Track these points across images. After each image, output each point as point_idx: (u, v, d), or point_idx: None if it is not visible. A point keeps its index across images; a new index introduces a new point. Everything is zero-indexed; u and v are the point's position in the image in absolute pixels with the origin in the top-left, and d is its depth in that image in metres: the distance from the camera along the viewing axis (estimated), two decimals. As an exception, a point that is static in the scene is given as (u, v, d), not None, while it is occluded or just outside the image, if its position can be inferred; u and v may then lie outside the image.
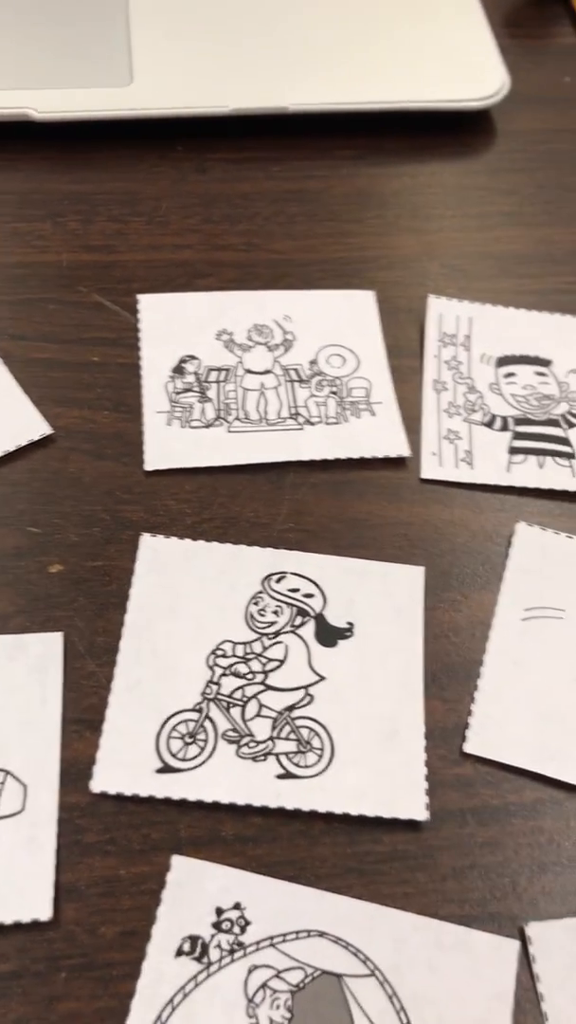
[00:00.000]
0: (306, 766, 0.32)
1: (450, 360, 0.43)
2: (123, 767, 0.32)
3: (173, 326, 0.43)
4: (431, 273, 0.46)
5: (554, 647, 0.35)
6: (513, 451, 0.40)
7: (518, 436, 0.40)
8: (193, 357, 0.42)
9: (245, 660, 0.34)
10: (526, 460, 0.40)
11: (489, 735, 0.33)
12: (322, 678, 0.34)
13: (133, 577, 0.36)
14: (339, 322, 0.44)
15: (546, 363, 0.42)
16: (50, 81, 0.49)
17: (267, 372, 0.42)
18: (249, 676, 0.34)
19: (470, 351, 0.43)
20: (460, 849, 0.31)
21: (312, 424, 0.40)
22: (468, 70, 0.52)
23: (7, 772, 0.31)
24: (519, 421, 0.41)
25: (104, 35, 0.51)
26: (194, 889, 0.30)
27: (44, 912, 0.29)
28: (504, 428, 0.41)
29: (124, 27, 0.52)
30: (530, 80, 0.55)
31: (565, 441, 0.40)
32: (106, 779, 0.31)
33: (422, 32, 0.53)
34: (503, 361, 0.43)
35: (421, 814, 0.31)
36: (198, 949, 0.29)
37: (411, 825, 0.31)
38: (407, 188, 0.49)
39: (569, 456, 0.40)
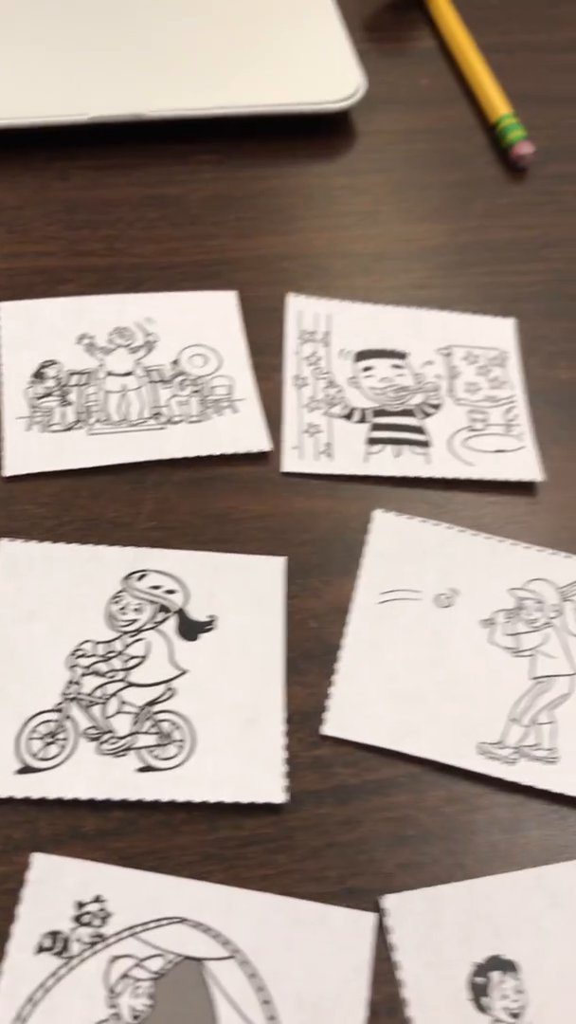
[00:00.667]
0: (167, 758, 0.32)
1: (310, 356, 0.43)
2: (-19, 771, 0.32)
3: (33, 332, 0.43)
4: (291, 272, 0.47)
5: (409, 628, 0.36)
6: (371, 442, 0.41)
7: (376, 427, 0.41)
8: (54, 362, 0.42)
9: (106, 659, 0.34)
10: (383, 450, 0.41)
11: (346, 716, 0.34)
12: (184, 672, 0.34)
13: (-8, 582, 0.36)
14: (201, 323, 0.44)
15: (402, 356, 0.44)
16: None
17: (129, 374, 0.42)
18: (110, 674, 0.34)
19: (329, 347, 0.44)
20: (319, 829, 0.32)
21: (174, 423, 0.41)
22: (325, 73, 0.53)
23: None
24: (377, 413, 0.42)
25: (-41, 45, 0.51)
26: (54, 885, 0.30)
27: None
28: (362, 420, 0.42)
29: (-21, 37, 0.52)
30: (388, 82, 0.56)
31: (420, 430, 0.41)
32: (-35, 783, 0.31)
33: (280, 37, 0.55)
34: (361, 355, 0.44)
35: (279, 797, 0.32)
36: (59, 944, 0.29)
37: (271, 809, 0.32)
38: (267, 190, 0.50)
39: (424, 444, 0.41)
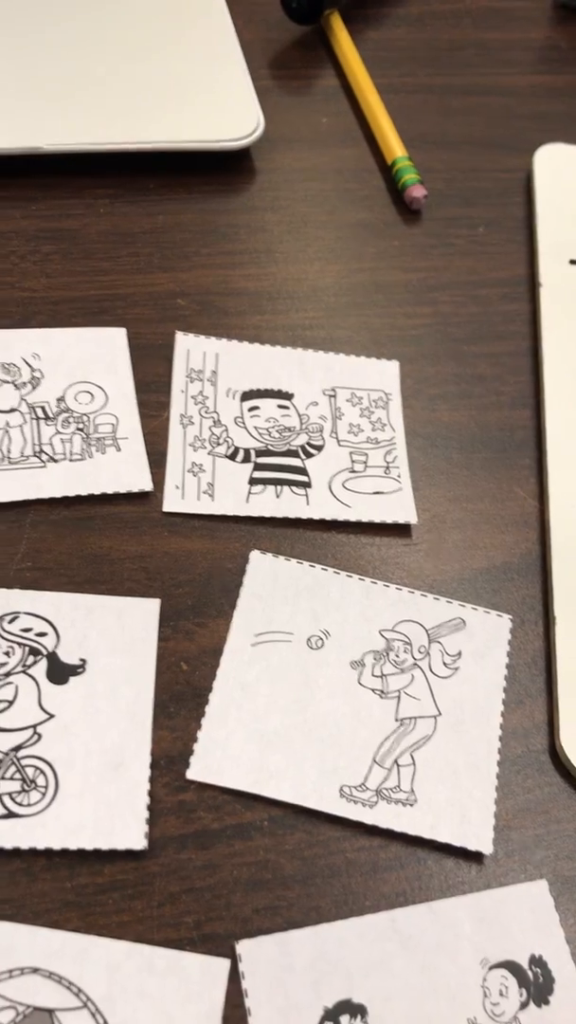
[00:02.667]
0: (29, 804, 0.32)
1: (196, 395, 0.44)
2: None
3: None
4: (183, 310, 0.47)
5: (280, 670, 0.36)
6: (253, 481, 0.41)
7: (258, 467, 0.42)
8: None
9: (-28, 702, 0.34)
10: (264, 490, 0.41)
11: (211, 760, 0.34)
12: (51, 716, 0.34)
13: None
14: (88, 359, 0.44)
15: (288, 396, 0.44)
16: None
17: (13, 411, 0.42)
18: (-25, 718, 0.34)
19: (216, 386, 0.44)
20: (178, 874, 0.32)
21: (56, 461, 0.41)
22: (226, 110, 0.54)
23: None
24: (260, 452, 0.42)
25: None
26: None
27: None
28: (246, 460, 0.42)
29: None
30: (289, 120, 0.57)
31: (302, 471, 0.42)
32: None
33: (182, 73, 0.55)
34: (247, 395, 0.44)
35: (139, 843, 0.32)
36: None
37: (131, 855, 0.32)
38: (163, 226, 0.51)
39: (305, 485, 0.42)
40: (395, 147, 0.55)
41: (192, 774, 0.34)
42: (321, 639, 0.37)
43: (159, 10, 0.58)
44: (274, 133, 0.55)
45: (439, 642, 0.38)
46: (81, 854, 0.32)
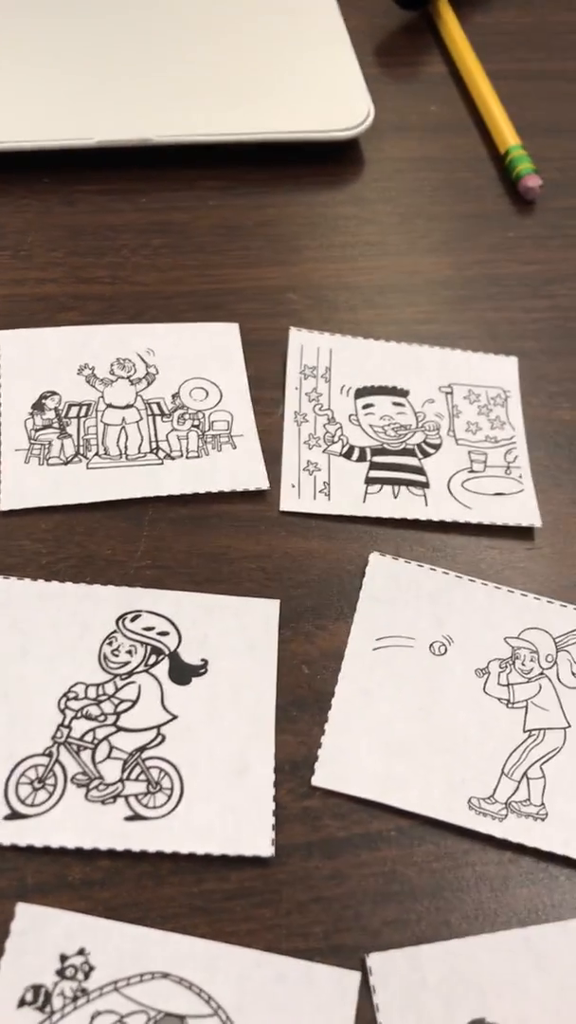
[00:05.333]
0: (155, 807, 0.32)
1: (311, 392, 0.43)
2: (-31, 816, 0.32)
3: (33, 362, 0.43)
4: (294, 304, 0.47)
5: (402, 676, 0.36)
6: (369, 481, 0.41)
7: (375, 466, 0.41)
8: (53, 393, 0.42)
9: (97, 702, 0.34)
10: (381, 490, 0.40)
11: (336, 767, 0.34)
12: (174, 717, 0.34)
13: (-15, 621, 0.36)
14: (202, 355, 0.44)
15: (403, 393, 0.43)
16: None
17: (129, 406, 0.42)
18: (101, 718, 0.34)
19: (330, 383, 0.44)
20: (305, 883, 0.32)
21: (172, 458, 0.41)
22: (335, 100, 0.53)
23: None
24: (376, 451, 0.42)
25: (-34, 66, 0.51)
26: (38, 937, 0.30)
27: None
28: (362, 459, 0.41)
29: (-13, 58, 0.51)
30: (398, 109, 0.56)
31: (419, 471, 0.41)
32: (-49, 829, 0.31)
33: (289, 62, 0.54)
34: (362, 392, 0.43)
35: (266, 850, 0.32)
36: (41, 998, 0.29)
37: (258, 861, 0.32)
38: (273, 219, 0.50)
39: (422, 485, 0.41)
40: (508, 136, 0.53)
41: (318, 781, 0.33)
42: (444, 645, 0.36)
43: (265, 1, 0.57)
44: (382, 122, 0.54)
45: (567, 651, 0.36)
46: (206, 859, 0.32)
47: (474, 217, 0.51)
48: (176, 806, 0.32)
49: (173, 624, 0.36)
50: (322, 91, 0.53)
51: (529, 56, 0.60)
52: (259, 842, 0.32)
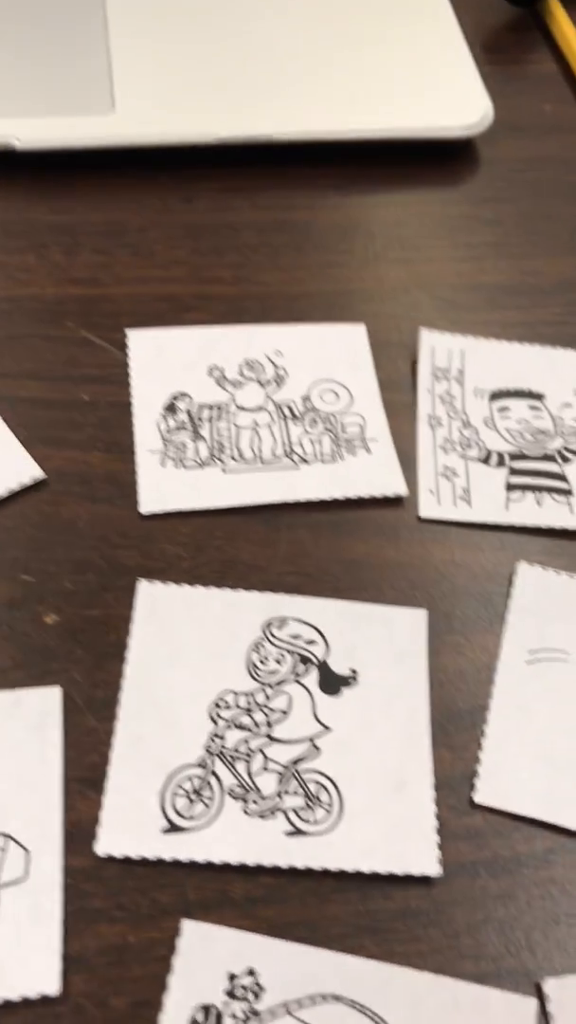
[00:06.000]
0: (315, 822, 0.31)
1: (443, 394, 0.42)
2: (128, 828, 0.31)
3: (163, 362, 0.42)
4: (420, 305, 0.46)
5: (559, 691, 0.35)
6: (511, 488, 0.40)
7: (515, 472, 0.40)
8: (185, 394, 0.41)
9: (248, 711, 0.33)
10: (524, 497, 0.39)
11: (498, 784, 0.32)
12: (327, 728, 0.33)
13: (131, 626, 0.35)
14: (331, 357, 0.43)
15: (539, 397, 0.42)
16: (31, 110, 0.48)
17: (260, 409, 0.41)
18: (253, 728, 0.33)
19: (463, 385, 0.43)
20: (473, 903, 0.31)
21: (307, 463, 0.40)
22: (452, 98, 0.52)
23: (8, 836, 0.30)
24: (515, 457, 0.41)
25: (84, 62, 0.51)
26: (205, 955, 0.29)
27: (52, 986, 0.28)
28: (500, 464, 0.40)
29: (104, 54, 0.51)
30: (512, 108, 0.55)
31: (561, 477, 0.40)
32: (111, 841, 0.31)
33: (406, 60, 0.53)
34: (496, 395, 0.42)
35: (434, 869, 0.31)
36: (212, 1019, 0.28)
37: (423, 880, 0.31)
38: (392, 218, 0.49)
39: (566, 492, 0.40)
40: (630, 134, 0.52)
41: (480, 798, 0.32)
42: (601, 659, 0.35)
43: (378, -6, 0.56)
44: (496, 121, 0.52)
45: None
46: (369, 876, 0.31)
47: (597, 218, 0.50)
48: (336, 821, 0.31)
49: (320, 632, 0.35)
50: (440, 89, 0.52)
51: None
52: (425, 860, 0.31)
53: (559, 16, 0.59)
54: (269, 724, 0.33)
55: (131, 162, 0.49)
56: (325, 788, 0.32)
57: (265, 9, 0.54)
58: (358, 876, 0.31)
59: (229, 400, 0.41)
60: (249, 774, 0.32)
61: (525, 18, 0.60)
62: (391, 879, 0.31)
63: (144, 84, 0.50)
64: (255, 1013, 0.28)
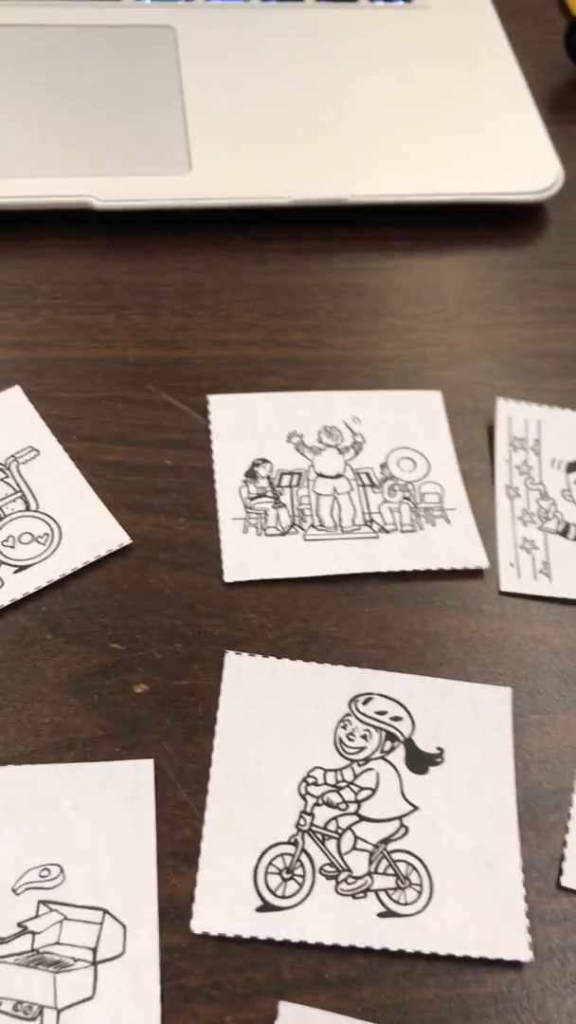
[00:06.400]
0: (406, 903, 0.32)
1: (521, 465, 0.43)
2: (223, 905, 0.31)
3: (243, 428, 0.43)
4: (492, 371, 0.46)
5: None
6: (589, 562, 0.40)
7: (593, 546, 0.40)
8: (265, 460, 0.42)
9: (337, 788, 0.34)
10: (602, 572, 0.40)
11: (587, 868, 0.33)
12: (415, 807, 0.34)
13: (220, 698, 0.35)
14: (407, 424, 0.44)
15: (616, 469, 0.43)
16: (109, 169, 0.49)
17: (339, 476, 0.42)
18: (342, 806, 0.33)
19: (540, 455, 0.43)
20: (564, 989, 0.31)
21: (387, 532, 0.40)
22: (521, 161, 0.52)
23: (105, 911, 0.31)
24: (592, 530, 0.41)
25: (161, 123, 0.51)
26: (303, 1038, 0.29)
27: (155, 1068, 0.28)
28: (578, 537, 0.41)
29: (181, 115, 0.52)
30: (578, 169, 0.55)
31: None
32: (206, 919, 0.31)
33: (476, 121, 0.54)
34: (573, 466, 0.43)
35: (525, 954, 0.31)
36: None
37: (515, 965, 0.31)
38: (463, 281, 0.50)
39: None
40: None
41: (568, 881, 0.33)
42: None
43: (446, 60, 0.57)
44: (566, 182, 0.53)
45: None
46: (461, 960, 0.31)
47: None
48: (427, 903, 0.32)
49: (406, 709, 0.36)
50: (510, 151, 0.53)
51: None
52: (516, 945, 0.31)
53: (624, 77, 0.59)
54: (358, 802, 0.34)
55: (207, 223, 0.49)
56: (415, 868, 0.32)
57: (337, 71, 0.55)
58: (450, 959, 0.31)
59: (308, 467, 0.42)
60: (340, 853, 0.32)
61: (589, 77, 0.61)
62: (483, 963, 0.31)
63: (219, 145, 0.51)
64: None
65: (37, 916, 0.30)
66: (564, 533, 0.41)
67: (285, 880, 0.32)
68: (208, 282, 0.48)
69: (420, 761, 0.35)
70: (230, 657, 0.36)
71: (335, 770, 0.34)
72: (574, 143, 0.57)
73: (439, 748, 0.35)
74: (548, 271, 0.50)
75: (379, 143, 0.52)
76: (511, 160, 0.52)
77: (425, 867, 0.32)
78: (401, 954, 0.31)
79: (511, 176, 0.52)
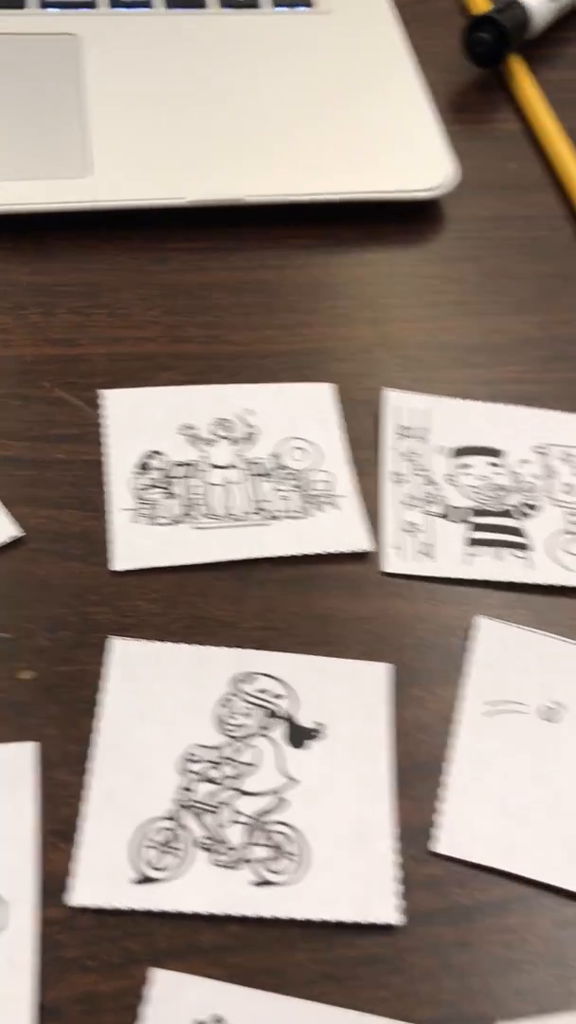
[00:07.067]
0: (281, 872, 0.33)
1: (407, 452, 0.44)
2: (100, 879, 0.32)
3: (137, 421, 0.44)
4: (386, 364, 0.47)
5: (517, 743, 0.36)
6: (471, 543, 0.41)
7: (475, 528, 0.42)
8: (158, 452, 0.43)
9: (217, 765, 0.35)
10: (484, 552, 0.41)
11: (457, 834, 0.34)
12: (294, 781, 0.35)
13: (104, 682, 0.36)
14: (300, 416, 0.45)
15: (499, 453, 0.44)
16: (8, 173, 0.50)
17: (231, 466, 0.43)
18: (222, 781, 0.34)
19: (427, 443, 0.44)
20: (433, 950, 0.32)
21: (277, 519, 0.41)
22: (417, 160, 0.54)
23: (-15, 889, 0.31)
24: (476, 512, 0.42)
25: (62, 128, 0.52)
26: (174, 1003, 0.30)
27: (26, 1036, 0.29)
28: (461, 520, 0.42)
29: (82, 120, 0.53)
30: (476, 166, 0.57)
31: (520, 532, 0.42)
32: (84, 892, 0.32)
33: (372, 121, 0.55)
34: (458, 452, 0.44)
35: (394, 918, 0.32)
36: (180, 1066, 0.29)
37: (385, 928, 0.32)
38: (359, 278, 0.51)
39: (524, 548, 0.41)
40: (587, 195, 0.54)
41: (439, 848, 0.34)
42: (557, 712, 0.37)
43: (344, 61, 0.58)
44: (462, 180, 0.55)
45: None
46: (335, 925, 0.32)
47: (557, 277, 0.52)
48: (302, 872, 0.33)
49: (287, 687, 0.37)
50: (405, 150, 0.54)
51: (602, 114, 0.61)
52: (387, 910, 0.32)
53: (521, 76, 0.61)
54: (237, 777, 0.35)
55: (107, 224, 0.50)
56: (291, 839, 0.33)
57: (238, 76, 0.56)
58: (323, 925, 0.32)
59: (201, 458, 0.43)
60: (218, 826, 0.33)
61: (489, 78, 0.63)
62: (355, 927, 0.32)
63: (120, 148, 0.52)
64: (222, 1061, 0.29)
65: None
66: (446, 516, 0.42)
67: (163, 853, 0.33)
68: (107, 281, 0.49)
69: (300, 736, 0.36)
70: (115, 642, 0.37)
71: (216, 747, 0.35)
72: (472, 141, 0.58)
73: (319, 724, 0.36)
74: (442, 266, 0.52)
75: (277, 145, 0.54)
76: (407, 159, 0.54)
77: (302, 837, 0.33)
78: (275, 921, 0.32)
79: (406, 174, 0.53)
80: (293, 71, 0.58)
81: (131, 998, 0.30)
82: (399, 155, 0.54)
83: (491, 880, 0.33)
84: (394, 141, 0.55)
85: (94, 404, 0.44)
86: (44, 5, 0.59)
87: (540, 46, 0.64)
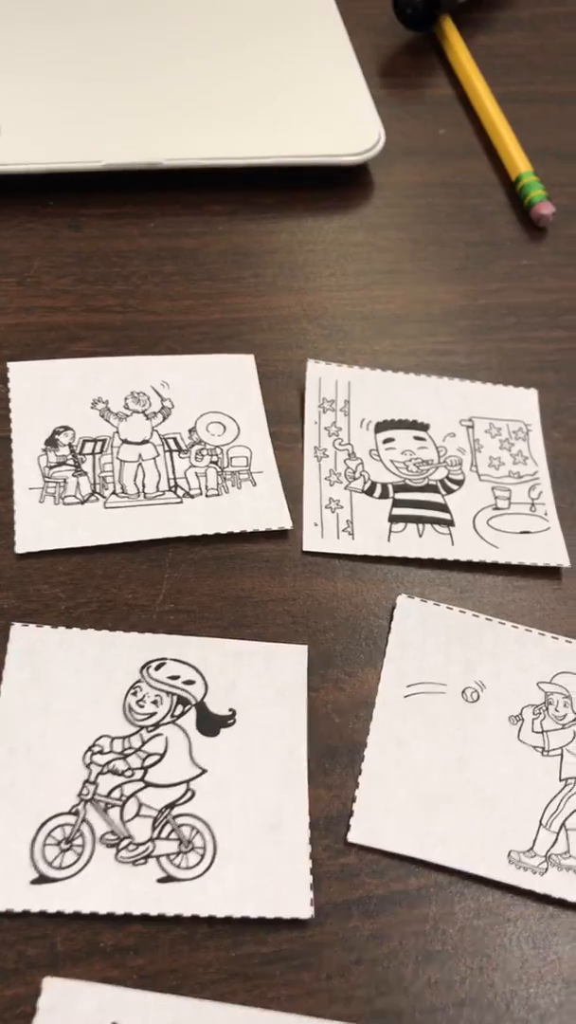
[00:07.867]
0: (187, 867, 0.31)
1: (330, 426, 0.42)
2: (-5, 880, 0.30)
3: (46, 395, 0.41)
4: (310, 335, 0.46)
5: (435, 724, 0.35)
6: (393, 519, 0.40)
7: (398, 503, 0.40)
8: (67, 428, 0.41)
9: (124, 756, 0.33)
10: (406, 528, 0.40)
11: (372, 823, 0.33)
12: (204, 771, 0.33)
13: (3, 671, 0.34)
14: (218, 388, 0.43)
15: (424, 427, 0.43)
16: None
17: (145, 442, 0.41)
18: (128, 773, 0.33)
19: (349, 416, 0.43)
20: (346, 944, 0.31)
21: (192, 497, 0.39)
22: (344, 123, 0.52)
23: None
24: (398, 488, 0.41)
25: (-31, 87, 0.50)
26: (67, 1012, 0.28)
27: None
28: (384, 495, 0.41)
29: (-10, 78, 0.50)
30: (406, 132, 0.55)
31: (444, 508, 0.40)
32: (-23, 895, 0.30)
33: (298, 85, 0.53)
34: (382, 426, 0.43)
35: (305, 912, 0.31)
36: (76, 1075, 0.28)
37: (296, 923, 0.31)
38: (284, 245, 0.49)
39: (447, 523, 0.40)
40: (519, 162, 0.53)
41: (354, 837, 0.32)
42: (476, 691, 0.36)
43: (271, 21, 0.56)
44: (391, 145, 0.53)
45: (602, 696, 0.36)
46: (243, 921, 0.31)
47: (487, 244, 0.51)
48: (209, 866, 0.31)
49: (199, 672, 0.35)
50: (331, 114, 0.52)
51: (535, 78, 0.59)
52: (297, 904, 0.31)
53: (454, 40, 0.59)
54: (144, 768, 0.33)
55: (18, 189, 0.48)
56: (199, 832, 0.32)
57: (160, 36, 0.54)
58: (231, 921, 0.31)
59: (113, 433, 0.41)
60: (122, 820, 0.32)
61: (421, 42, 0.61)
62: (265, 923, 0.31)
63: (31, 110, 0.49)
64: (121, 1068, 0.28)
65: None
66: (370, 492, 0.41)
67: (63, 851, 0.31)
68: (18, 248, 0.47)
69: (211, 724, 0.34)
70: (15, 629, 0.35)
71: (123, 737, 0.33)
72: (402, 106, 0.57)
73: (231, 710, 0.34)
74: (368, 233, 0.50)
75: (199, 107, 0.51)
76: (333, 123, 0.52)
77: (210, 830, 0.32)
78: (181, 919, 0.31)
79: (334, 139, 0.51)
80: (218, 34, 0.55)
81: (26, 1006, 0.29)
82: (326, 119, 0.52)
83: (408, 870, 0.32)
84: (321, 104, 0.53)
85: (1, 378, 0.42)
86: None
87: (473, 10, 0.62)
